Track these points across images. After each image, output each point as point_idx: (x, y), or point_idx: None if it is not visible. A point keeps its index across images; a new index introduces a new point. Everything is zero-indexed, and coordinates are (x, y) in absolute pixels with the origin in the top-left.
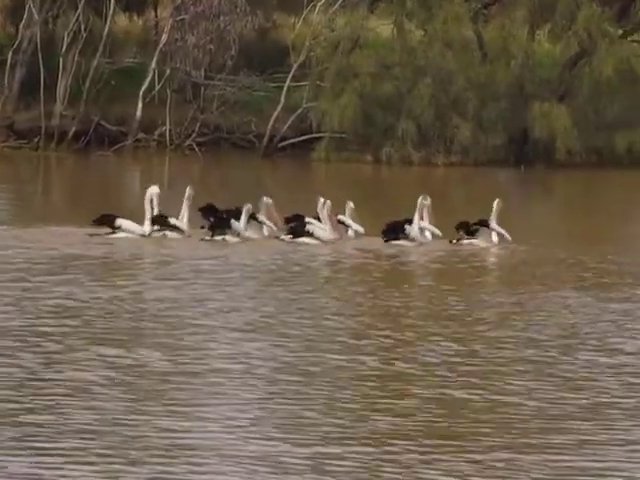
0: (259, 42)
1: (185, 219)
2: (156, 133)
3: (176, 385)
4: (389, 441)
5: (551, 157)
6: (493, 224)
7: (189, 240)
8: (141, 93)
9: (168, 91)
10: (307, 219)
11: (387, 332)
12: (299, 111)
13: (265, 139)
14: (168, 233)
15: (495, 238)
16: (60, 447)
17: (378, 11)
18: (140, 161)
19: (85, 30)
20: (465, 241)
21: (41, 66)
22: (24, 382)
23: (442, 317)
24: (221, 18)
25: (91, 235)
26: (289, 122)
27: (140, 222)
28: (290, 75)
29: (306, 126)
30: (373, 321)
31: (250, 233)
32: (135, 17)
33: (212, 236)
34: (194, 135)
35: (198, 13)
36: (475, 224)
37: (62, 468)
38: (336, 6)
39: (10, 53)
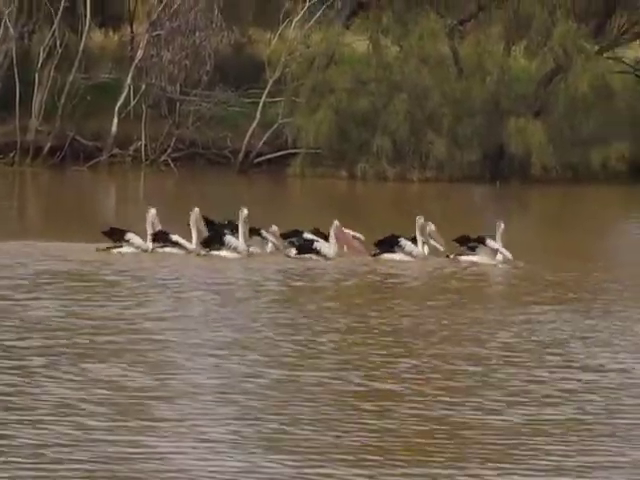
0: (235, 57)
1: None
2: (131, 148)
3: (156, 403)
4: (370, 457)
5: (527, 173)
6: (490, 241)
7: (186, 257)
8: (117, 108)
9: (143, 106)
10: (305, 234)
11: (369, 349)
12: (275, 127)
13: (241, 155)
14: (169, 249)
15: (500, 257)
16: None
17: (354, 27)
18: (115, 176)
19: (61, 45)
20: (463, 257)
21: (17, 81)
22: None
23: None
24: (197, 34)
25: (98, 250)
26: (265, 138)
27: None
28: (266, 91)
29: (282, 142)
30: (355, 338)
31: (254, 248)
32: (111, 33)
33: (208, 251)
34: (169, 150)
35: (174, 28)
36: (474, 240)
37: None
38: (312, 22)
39: None
